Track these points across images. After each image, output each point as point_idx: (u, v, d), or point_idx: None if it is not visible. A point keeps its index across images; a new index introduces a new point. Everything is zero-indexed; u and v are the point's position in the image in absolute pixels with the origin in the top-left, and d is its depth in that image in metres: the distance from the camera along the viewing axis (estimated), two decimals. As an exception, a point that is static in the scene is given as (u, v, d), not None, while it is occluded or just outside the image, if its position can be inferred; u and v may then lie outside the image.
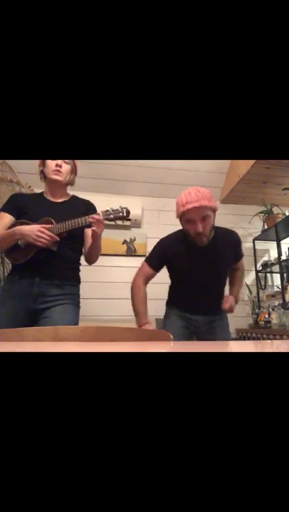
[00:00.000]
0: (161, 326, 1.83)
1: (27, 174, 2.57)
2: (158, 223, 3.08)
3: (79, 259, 1.40)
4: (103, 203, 2.97)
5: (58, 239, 1.21)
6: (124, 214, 1.27)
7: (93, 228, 1.23)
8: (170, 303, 1.68)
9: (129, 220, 2.68)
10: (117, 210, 1.27)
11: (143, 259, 3.01)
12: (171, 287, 1.68)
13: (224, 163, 2.96)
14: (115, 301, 2.82)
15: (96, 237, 1.29)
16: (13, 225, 1.26)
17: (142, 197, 3.03)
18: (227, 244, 1.44)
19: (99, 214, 1.24)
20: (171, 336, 0.73)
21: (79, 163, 2.89)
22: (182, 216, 1.33)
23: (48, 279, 1.24)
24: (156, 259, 1.56)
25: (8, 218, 1.29)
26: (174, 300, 1.64)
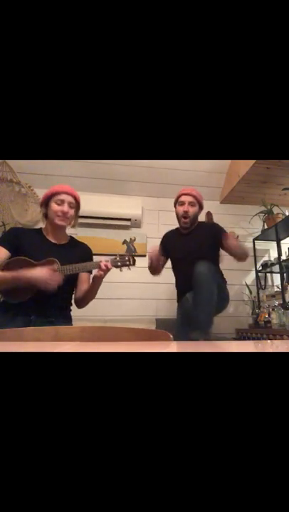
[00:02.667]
0: (163, 326, 1.87)
1: (27, 174, 2.58)
2: (158, 223, 3.08)
3: (71, 299, 1.45)
4: (103, 203, 2.97)
5: (61, 282, 1.23)
6: (131, 262, 1.37)
7: (100, 272, 1.29)
8: (177, 299, 1.90)
9: (129, 220, 2.77)
10: (124, 256, 1.36)
11: (143, 259, 3.06)
12: (175, 283, 1.92)
13: (224, 163, 2.96)
14: (115, 301, 2.82)
15: (97, 282, 1.35)
16: (8, 262, 1.26)
17: (142, 197, 3.03)
18: (203, 231, 1.80)
19: (108, 261, 1.31)
20: (171, 336, 0.73)
21: (79, 163, 2.87)
22: (177, 200, 1.81)
23: (43, 317, 1.26)
24: (160, 246, 1.90)
25: (3, 253, 1.27)
26: (177, 294, 1.88)
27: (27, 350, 0.46)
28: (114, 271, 2.87)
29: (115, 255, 1.35)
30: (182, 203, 1.76)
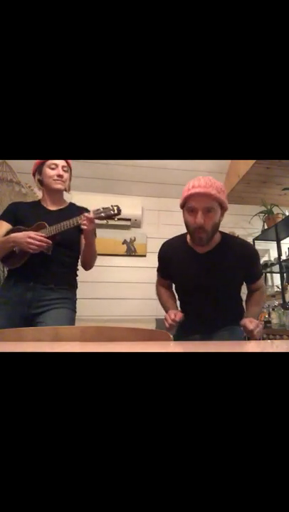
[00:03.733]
0: (163, 326, 1.81)
1: (27, 174, 2.57)
2: (158, 223, 3.08)
3: (76, 265, 1.41)
4: (103, 203, 2.96)
5: (50, 242, 1.22)
6: (116, 212, 1.25)
7: (83, 226, 1.22)
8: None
9: (129, 220, 2.64)
10: (108, 208, 1.25)
11: (143, 259, 3.01)
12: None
13: (224, 163, 2.96)
14: (115, 301, 2.82)
15: (88, 236, 1.28)
16: (9, 232, 1.29)
17: (142, 197, 3.03)
18: (236, 256, 1.17)
19: (89, 213, 1.24)
20: (171, 336, 0.73)
21: (79, 163, 2.87)
22: (185, 203, 1.12)
23: (43, 283, 1.24)
24: (161, 268, 1.42)
25: (5, 226, 1.32)
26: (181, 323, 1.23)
27: (27, 350, 0.46)
28: (114, 271, 2.89)
29: (99, 208, 1.27)
30: (192, 210, 1.09)
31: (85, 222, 1.21)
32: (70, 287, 1.35)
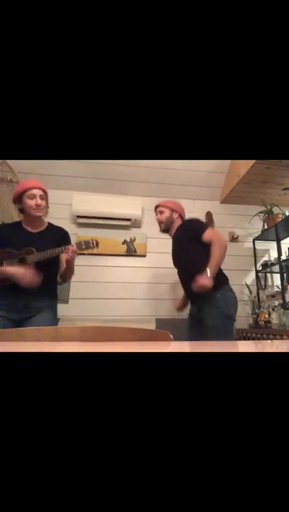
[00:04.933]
0: (163, 326, 1.90)
1: (27, 174, 2.58)
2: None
3: (56, 278, 1.68)
4: (103, 203, 2.97)
5: (40, 282, 1.47)
6: (94, 245, 1.56)
7: (67, 258, 1.50)
8: None
9: (129, 220, 2.86)
10: (88, 241, 1.56)
11: (143, 259, 3.13)
12: None
13: (224, 163, 2.96)
14: (115, 301, 2.82)
15: (70, 263, 1.56)
16: None
17: (142, 197, 3.03)
18: (181, 228, 1.94)
19: (73, 246, 1.51)
20: (171, 336, 0.73)
21: (79, 163, 2.87)
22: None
23: (31, 295, 1.49)
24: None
25: None
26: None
27: (27, 350, 0.46)
28: (114, 271, 2.89)
29: (81, 241, 1.56)
30: (156, 215, 2.05)
31: (69, 254, 1.48)
32: (52, 297, 1.61)
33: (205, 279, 1.61)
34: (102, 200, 2.89)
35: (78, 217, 2.86)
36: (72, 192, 2.92)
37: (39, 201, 1.52)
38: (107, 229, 2.91)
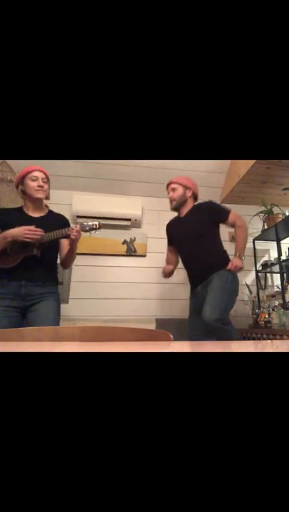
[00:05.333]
0: (163, 326, 1.90)
1: (27, 174, 2.57)
2: (158, 223, 3.08)
3: (56, 264, 1.68)
4: (103, 203, 2.97)
5: (44, 233, 1.46)
6: (97, 226, 1.59)
7: (72, 237, 1.51)
8: (189, 283, 2.01)
9: (129, 220, 2.84)
10: (91, 223, 1.59)
11: (143, 259, 3.11)
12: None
13: (224, 163, 2.96)
14: (115, 301, 2.82)
15: (74, 245, 1.57)
16: None
17: (142, 197, 3.03)
18: (199, 210, 1.91)
19: (77, 226, 1.54)
20: (171, 336, 0.73)
21: (79, 163, 2.87)
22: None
23: (32, 281, 1.50)
24: (167, 237, 2.09)
25: None
26: (188, 278, 1.99)
27: (27, 350, 0.46)
28: (114, 271, 2.89)
29: (83, 223, 1.58)
30: (168, 192, 1.97)
31: (75, 234, 1.50)
32: (53, 282, 1.61)
33: (239, 261, 1.74)
34: (102, 200, 2.89)
35: (78, 217, 2.86)
36: (72, 192, 2.92)
37: (41, 183, 1.54)
38: (107, 229, 2.90)
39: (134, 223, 2.96)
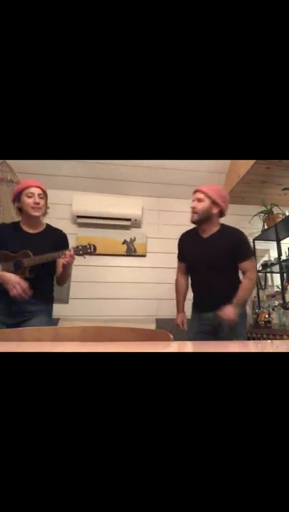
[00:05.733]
0: (163, 326, 1.87)
1: (27, 174, 2.57)
2: (158, 223, 3.08)
3: (52, 281, 1.65)
4: (103, 202, 2.97)
5: (29, 294, 1.44)
6: (92, 250, 1.53)
7: (64, 262, 1.48)
8: (192, 303, 1.82)
9: (129, 220, 2.74)
10: (86, 246, 1.53)
11: (143, 259, 3.03)
12: (191, 287, 1.84)
13: (224, 163, 2.96)
14: (115, 301, 2.82)
15: (67, 268, 1.54)
16: None
17: (142, 197, 3.03)
18: (226, 239, 1.66)
19: (70, 250, 1.48)
20: (171, 336, 0.73)
21: (79, 163, 2.86)
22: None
23: (27, 298, 1.46)
24: (178, 251, 1.85)
25: None
26: (193, 299, 1.80)
27: (27, 350, 0.46)
28: (114, 271, 2.89)
29: (78, 246, 1.54)
30: (192, 200, 1.70)
31: (66, 259, 1.46)
32: (47, 300, 1.59)
33: (233, 313, 1.54)
34: (102, 200, 2.89)
35: (78, 217, 2.86)
36: (72, 192, 2.92)
37: (37, 199, 1.50)
38: (107, 229, 2.91)
39: (134, 223, 2.95)
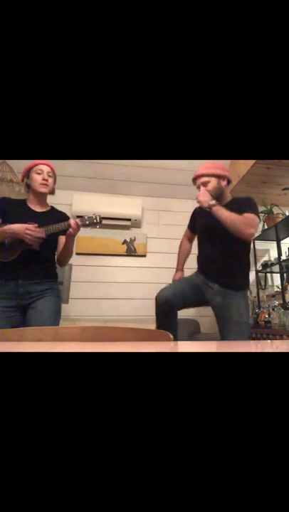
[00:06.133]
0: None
1: (27, 174, 2.57)
2: (158, 223, 3.08)
3: (54, 259, 1.63)
4: (103, 202, 2.97)
5: (44, 236, 1.43)
6: (98, 220, 1.54)
7: (69, 232, 1.48)
8: (197, 267, 1.78)
9: (129, 220, 2.71)
10: (91, 217, 1.55)
11: (143, 259, 2.99)
12: (198, 253, 1.81)
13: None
14: (115, 301, 2.82)
15: (70, 239, 1.54)
16: None
17: (142, 197, 3.03)
18: (234, 208, 1.54)
19: (77, 220, 1.50)
20: (171, 336, 0.73)
21: (79, 163, 2.86)
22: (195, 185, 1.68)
23: (30, 279, 1.46)
24: (190, 220, 1.87)
25: None
26: (198, 264, 1.77)
27: (27, 350, 0.46)
28: (114, 271, 2.89)
29: (84, 216, 1.55)
30: (198, 187, 1.63)
31: (73, 227, 1.47)
32: (52, 278, 1.57)
33: (206, 196, 1.53)
34: (102, 200, 2.89)
35: (78, 217, 2.86)
36: (72, 192, 2.92)
37: (46, 176, 1.51)
38: (107, 229, 2.91)
39: (134, 223, 2.96)
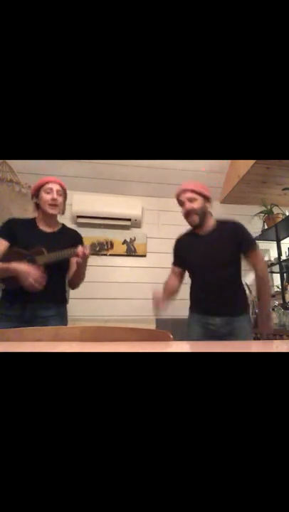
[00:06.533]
0: (163, 326, 1.83)
1: (27, 174, 2.58)
2: (158, 223, 3.08)
3: (64, 283, 1.55)
4: (103, 203, 2.97)
5: (44, 284, 1.35)
6: (109, 246, 1.45)
7: (78, 260, 1.40)
8: (190, 307, 1.67)
9: (129, 220, 2.65)
10: (102, 243, 1.46)
11: (143, 259, 2.97)
12: (190, 289, 1.67)
13: (224, 163, 2.96)
14: (115, 301, 2.82)
15: (81, 266, 1.45)
16: (7, 252, 1.40)
17: (142, 197, 3.03)
18: (225, 232, 1.54)
19: (86, 247, 1.39)
20: (171, 336, 0.73)
21: (79, 163, 2.85)
22: (177, 200, 1.60)
23: (38, 303, 1.38)
24: (173, 255, 1.72)
25: (3, 244, 1.41)
26: (192, 302, 1.65)
27: (27, 350, 0.46)
28: (114, 271, 2.89)
29: (95, 243, 1.45)
30: (182, 203, 1.57)
31: (80, 256, 1.37)
32: (61, 303, 1.49)
33: (271, 328, 1.58)
34: (102, 200, 2.89)
35: (78, 217, 2.86)
36: (73, 192, 2.91)
37: (55, 196, 1.43)
38: (107, 229, 2.91)
39: (134, 223, 2.95)
